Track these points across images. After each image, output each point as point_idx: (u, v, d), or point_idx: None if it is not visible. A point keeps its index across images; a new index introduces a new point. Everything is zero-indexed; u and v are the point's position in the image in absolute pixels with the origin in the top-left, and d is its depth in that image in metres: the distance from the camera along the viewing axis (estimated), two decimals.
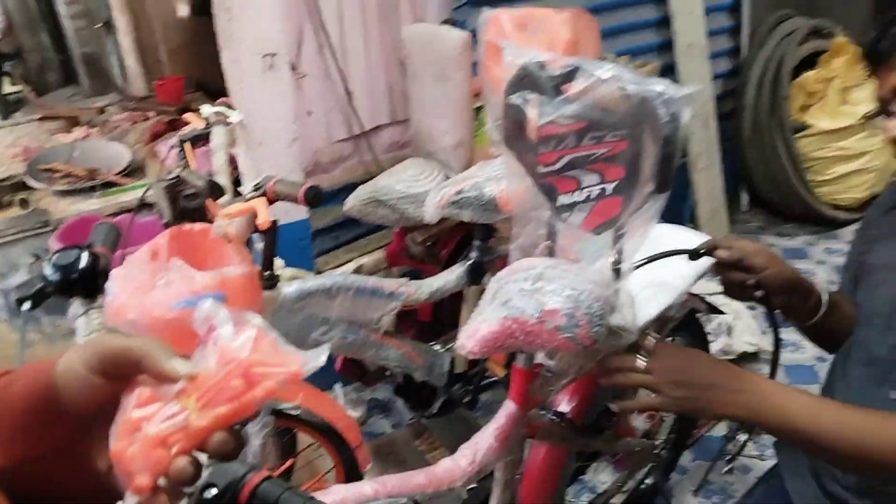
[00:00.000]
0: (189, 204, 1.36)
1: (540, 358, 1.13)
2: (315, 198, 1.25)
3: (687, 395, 0.93)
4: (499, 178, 1.49)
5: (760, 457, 1.99)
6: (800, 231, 3.38)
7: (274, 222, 1.30)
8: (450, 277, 1.68)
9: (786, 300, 1.08)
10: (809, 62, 3.31)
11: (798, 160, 3.24)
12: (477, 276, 1.72)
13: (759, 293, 1.05)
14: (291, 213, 2.01)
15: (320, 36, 2.04)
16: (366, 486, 0.91)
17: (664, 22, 3.08)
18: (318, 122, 2.17)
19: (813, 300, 1.11)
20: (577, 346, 0.96)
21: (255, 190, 1.28)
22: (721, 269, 1.08)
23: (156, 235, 1.13)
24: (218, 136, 1.52)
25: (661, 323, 1.15)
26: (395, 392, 1.99)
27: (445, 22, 2.45)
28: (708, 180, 3.27)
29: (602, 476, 1.61)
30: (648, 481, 1.68)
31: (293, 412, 1.51)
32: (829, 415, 0.92)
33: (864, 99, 3.17)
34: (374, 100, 2.24)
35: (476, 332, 0.98)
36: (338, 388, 2.28)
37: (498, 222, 1.63)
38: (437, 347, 1.85)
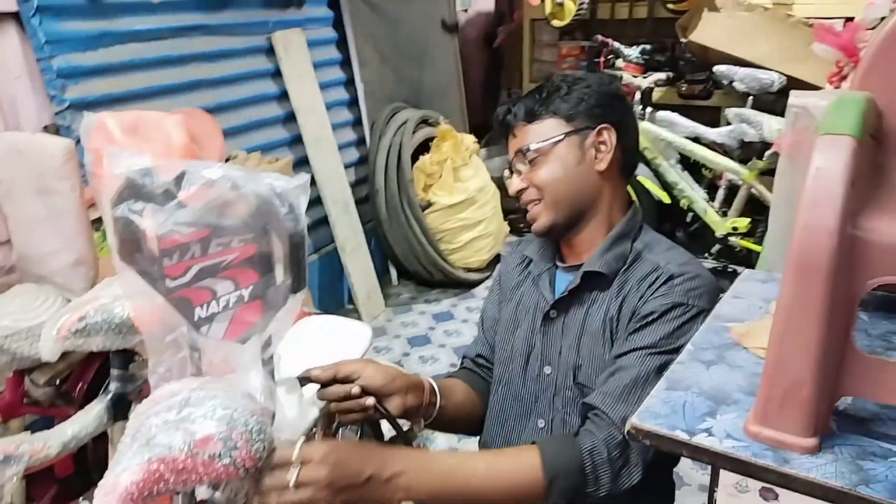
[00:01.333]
0: None
1: (202, 493, 0.99)
2: None
3: (346, 499, 0.91)
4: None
5: None
6: (443, 296, 3.74)
7: None
8: (86, 419, 1.42)
9: (401, 401, 1.13)
10: (425, 147, 3.74)
11: (430, 234, 3.60)
12: (121, 409, 1.49)
13: (369, 400, 1.09)
14: None
15: None
16: None
17: (292, 117, 3.20)
18: None
19: (427, 392, 1.19)
20: (239, 471, 0.87)
21: None
22: (325, 393, 1.11)
23: None
24: None
25: (328, 419, 1.11)
26: None
27: (47, 129, 2.18)
28: (358, 262, 3.44)
29: None
30: None
31: None
32: (475, 465, 1.01)
33: (472, 175, 3.69)
34: None
35: (115, 486, 0.82)
36: None
37: (137, 345, 1.44)
38: None
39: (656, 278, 1.12)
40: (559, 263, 1.28)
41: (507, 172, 1.29)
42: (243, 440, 0.88)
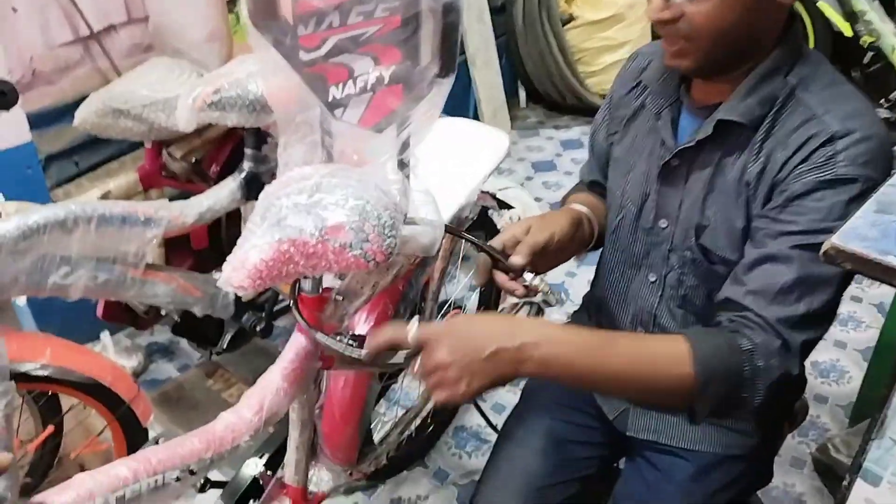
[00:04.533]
0: None
1: (328, 280, 0.99)
2: (5, 95, 0.97)
3: (482, 381, 0.83)
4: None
5: None
6: (574, 122, 3.54)
7: None
8: (220, 194, 1.46)
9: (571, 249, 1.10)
10: None
11: (568, 52, 3.33)
12: (254, 189, 1.51)
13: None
14: (6, 136, 1.63)
15: None
16: (120, 468, 0.73)
17: None
18: (28, 22, 1.75)
19: (586, 224, 1.13)
20: (370, 264, 0.83)
21: None
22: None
23: None
24: None
25: (457, 224, 1.05)
26: (174, 332, 1.76)
27: None
28: (487, 77, 3.27)
29: (412, 390, 1.56)
30: None
31: (40, 373, 1.26)
32: (617, 346, 0.90)
33: None
34: None
35: (244, 262, 0.81)
36: (105, 336, 1.98)
37: (271, 126, 1.42)
38: (217, 276, 1.64)
39: (810, 137, 0.90)
40: (685, 99, 1.05)
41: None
42: (375, 233, 0.84)
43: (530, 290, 0.99)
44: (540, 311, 2.18)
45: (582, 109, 3.53)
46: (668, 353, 0.90)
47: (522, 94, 3.70)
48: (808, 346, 0.93)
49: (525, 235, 1.02)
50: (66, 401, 1.50)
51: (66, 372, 1.30)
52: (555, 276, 2.33)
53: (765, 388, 0.91)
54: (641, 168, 1.09)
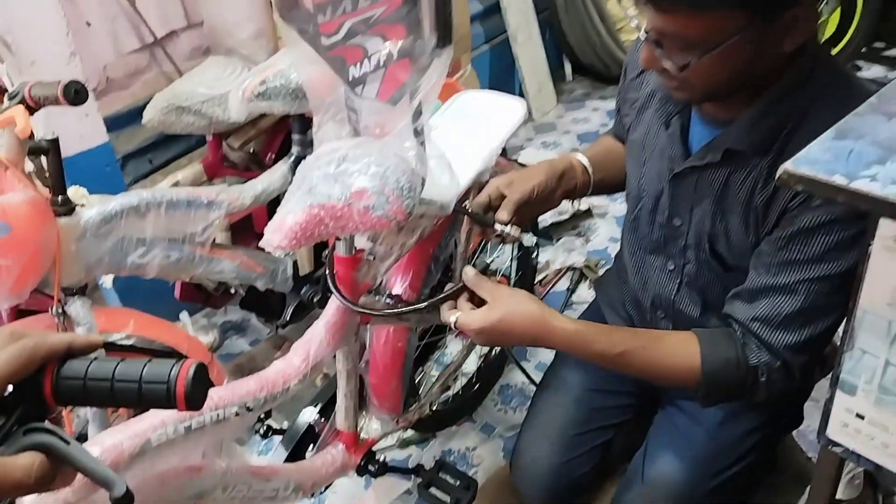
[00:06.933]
0: None
1: (361, 243, 1.10)
2: (78, 93, 1.12)
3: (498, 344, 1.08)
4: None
5: None
6: None
7: (55, 140, 1.16)
8: (273, 177, 1.60)
9: (558, 194, 1.16)
10: None
11: (610, 22, 3.33)
12: None
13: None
14: (87, 138, 1.81)
15: None
16: None
17: None
18: (101, 33, 1.93)
19: (579, 172, 1.20)
20: (392, 223, 0.94)
21: (12, 99, 1.12)
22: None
23: None
24: None
25: (476, 188, 1.15)
26: (241, 306, 1.92)
27: None
28: (530, 53, 3.31)
29: (452, 350, 1.67)
30: (498, 347, 1.76)
31: (125, 342, 1.42)
32: (635, 350, 1.01)
33: None
34: (163, 2, 2.02)
35: (282, 224, 0.94)
36: (184, 316, 2.17)
37: (313, 111, 1.55)
38: (278, 254, 1.78)
39: None
40: (695, 108, 1.03)
41: (640, 32, 0.92)
42: (395, 195, 0.95)
43: (505, 238, 1.08)
44: (582, 277, 2.25)
45: None
46: (679, 355, 1.01)
47: (568, 67, 3.71)
48: (807, 366, 1.00)
49: (507, 189, 1.09)
50: None
51: (147, 341, 1.45)
52: (598, 242, 2.39)
53: (765, 396, 1.00)
54: (654, 166, 1.10)
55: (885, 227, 0.65)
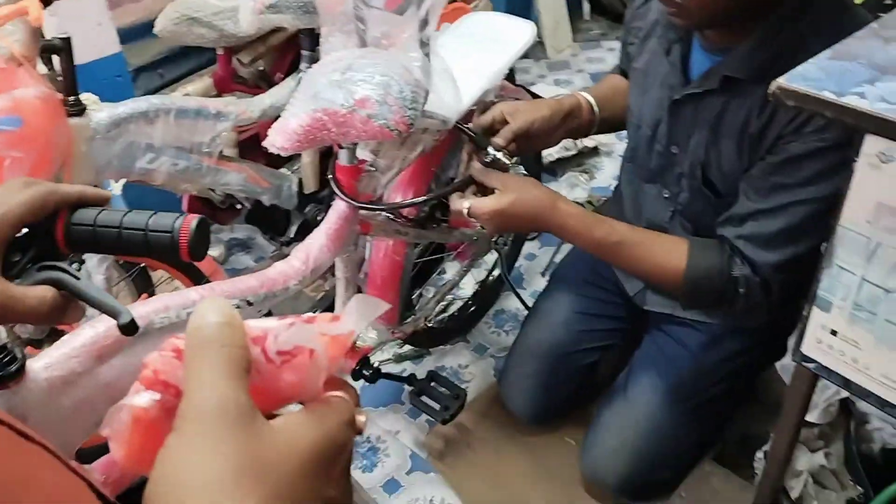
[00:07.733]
0: None
1: (363, 154, 1.12)
2: None
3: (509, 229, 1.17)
4: None
5: None
6: None
7: (67, 38, 1.17)
8: (282, 92, 1.60)
9: (561, 132, 1.20)
10: None
11: None
12: None
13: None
14: (100, 47, 1.81)
15: None
16: (191, 293, 0.90)
17: None
18: None
19: (585, 111, 1.22)
20: (393, 133, 0.96)
21: None
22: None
23: None
24: None
25: (481, 108, 1.16)
26: (247, 219, 1.95)
27: None
28: None
29: (449, 273, 1.70)
30: (496, 273, 1.79)
31: None
32: (632, 243, 1.08)
33: None
34: None
35: (285, 126, 0.96)
36: None
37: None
38: (284, 171, 1.81)
39: None
40: (696, 35, 1.04)
41: None
42: (398, 105, 0.96)
43: (496, 164, 1.10)
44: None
45: None
46: (668, 255, 1.07)
47: (586, 6, 3.63)
48: (784, 287, 1.03)
49: (511, 116, 1.11)
50: (156, 276, 1.73)
51: None
52: (603, 180, 2.38)
53: (742, 312, 1.05)
54: (655, 94, 1.12)
55: (870, 143, 0.67)
